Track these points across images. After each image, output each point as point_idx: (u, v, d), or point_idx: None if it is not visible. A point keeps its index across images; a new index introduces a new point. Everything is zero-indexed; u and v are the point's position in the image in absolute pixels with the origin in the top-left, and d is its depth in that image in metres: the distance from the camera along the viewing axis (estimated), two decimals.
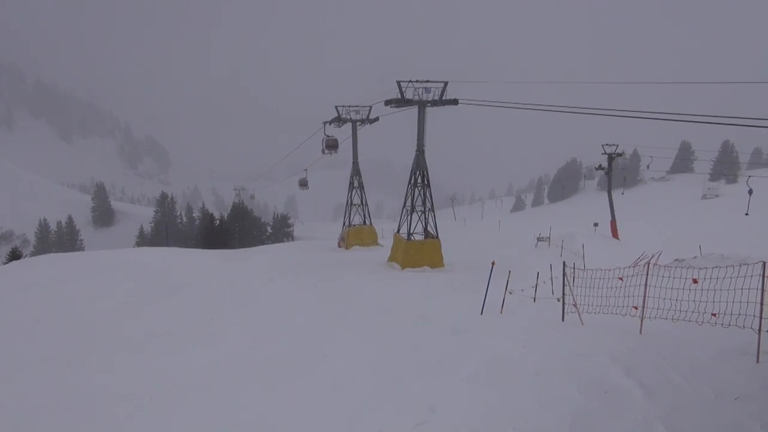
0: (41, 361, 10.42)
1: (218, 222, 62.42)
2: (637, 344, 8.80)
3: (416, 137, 23.83)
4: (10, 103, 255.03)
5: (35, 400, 8.33)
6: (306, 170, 41.25)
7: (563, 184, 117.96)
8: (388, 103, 23.12)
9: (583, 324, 10.81)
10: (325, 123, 33.82)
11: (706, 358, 7.70)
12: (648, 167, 40.45)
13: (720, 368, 7.28)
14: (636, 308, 9.94)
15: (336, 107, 32.59)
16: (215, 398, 8.14)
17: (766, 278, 7.43)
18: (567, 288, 11.66)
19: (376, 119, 32.17)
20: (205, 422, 7.36)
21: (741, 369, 7.14)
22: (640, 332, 9.47)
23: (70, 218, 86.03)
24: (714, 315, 8.40)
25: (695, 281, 9.02)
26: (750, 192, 33.98)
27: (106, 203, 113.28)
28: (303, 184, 42.08)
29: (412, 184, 24.47)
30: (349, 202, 34.66)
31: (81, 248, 76.94)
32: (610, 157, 36.93)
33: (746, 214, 34.75)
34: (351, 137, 33.49)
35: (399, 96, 22.60)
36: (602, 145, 36.77)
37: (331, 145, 32.85)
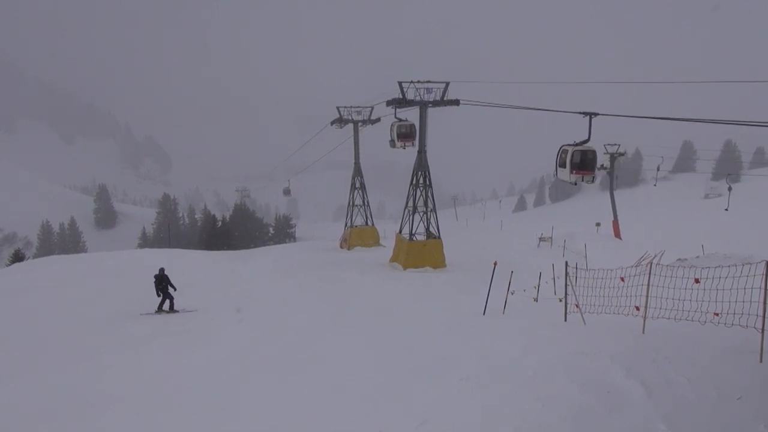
0: (41, 361, 10.46)
1: (220, 223, 62.52)
2: (639, 344, 8.78)
3: (417, 138, 23.85)
4: (11, 106, 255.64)
5: (35, 401, 8.36)
6: (289, 180, 44.40)
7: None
8: (389, 103, 23.07)
9: (585, 324, 10.80)
10: (363, 124, 31.78)
11: (708, 358, 7.68)
12: (656, 182, 40.54)
13: (722, 368, 7.27)
14: (638, 308, 9.93)
15: (338, 108, 32.56)
16: (215, 398, 8.15)
17: None
18: (569, 288, 11.66)
19: (378, 120, 32.13)
20: (204, 422, 7.38)
21: (743, 368, 7.12)
22: (643, 332, 9.45)
23: (72, 220, 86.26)
24: (716, 314, 8.37)
25: (697, 281, 9.00)
26: (729, 189, 36.99)
27: (109, 205, 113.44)
28: (286, 192, 45.39)
29: (414, 185, 24.48)
30: (350, 203, 34.65)
31: (84, 250, 77.07)
32: (612, 157, 36.94)
33: (726, 210, 36.52)
34: (353, 138, 33.49)
35: (401, 96, 22.61)
36: (604, 145, 36.76)
37: (406, 134, 23.82)
